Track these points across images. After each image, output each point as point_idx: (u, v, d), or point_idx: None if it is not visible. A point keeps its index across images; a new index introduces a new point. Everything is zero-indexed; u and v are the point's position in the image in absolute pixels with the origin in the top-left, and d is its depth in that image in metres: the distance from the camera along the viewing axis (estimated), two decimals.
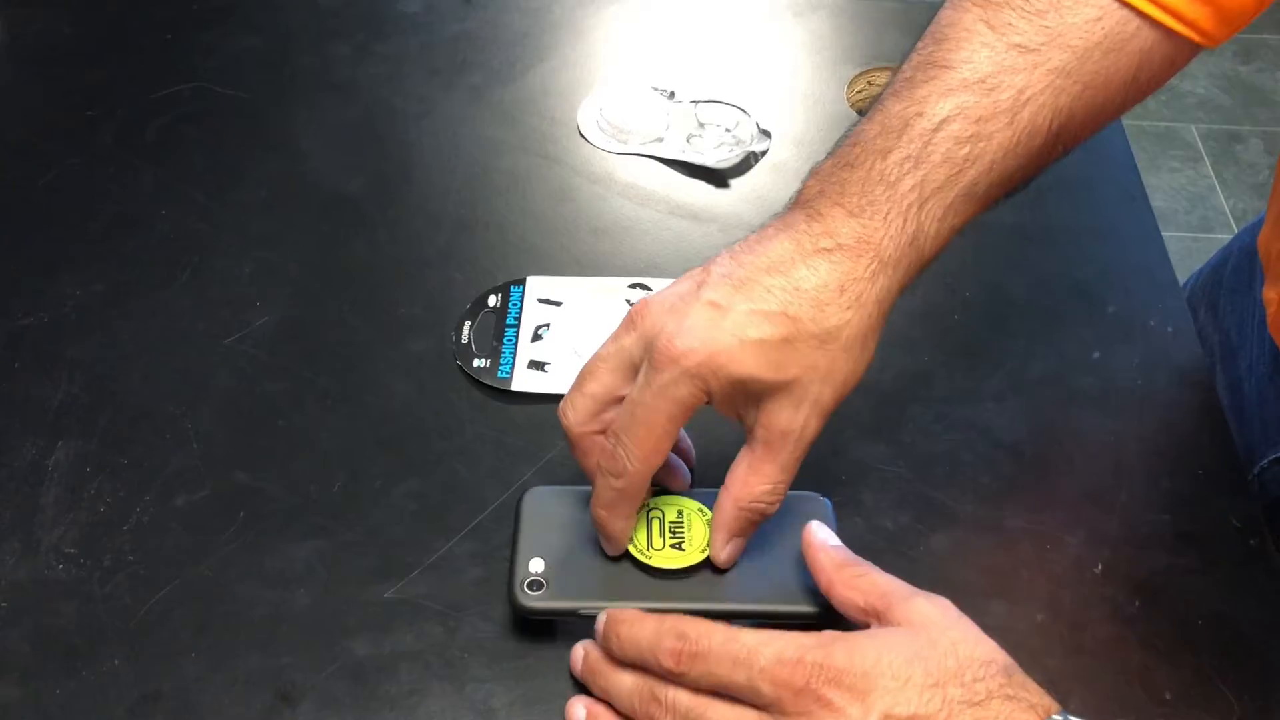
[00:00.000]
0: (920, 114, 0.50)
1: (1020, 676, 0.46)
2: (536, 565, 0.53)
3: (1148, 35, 0.52)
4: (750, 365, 0.49)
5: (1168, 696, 0.53)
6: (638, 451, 0.50)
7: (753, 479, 0.51)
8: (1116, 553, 0.58)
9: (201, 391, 0.64)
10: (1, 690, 0.52)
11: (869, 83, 0.83)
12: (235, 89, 0.82)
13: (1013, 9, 0.51)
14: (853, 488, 0.60)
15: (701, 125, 0.79)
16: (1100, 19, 0.51)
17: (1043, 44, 0.51)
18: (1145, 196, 0.76)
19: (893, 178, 0.50)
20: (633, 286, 0.69)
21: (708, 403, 0.50)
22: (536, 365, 0.65)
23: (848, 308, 0.49)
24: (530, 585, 0.53)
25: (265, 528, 0.58)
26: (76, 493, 0.59)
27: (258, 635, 0.54)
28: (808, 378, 0.49)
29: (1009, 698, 0.45)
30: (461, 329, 0.67)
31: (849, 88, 0.82)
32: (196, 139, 0.79)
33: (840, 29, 0.88)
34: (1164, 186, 2.10)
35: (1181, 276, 0.75)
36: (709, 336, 0.49)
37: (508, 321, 0.67)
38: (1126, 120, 0.81)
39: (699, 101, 0.80)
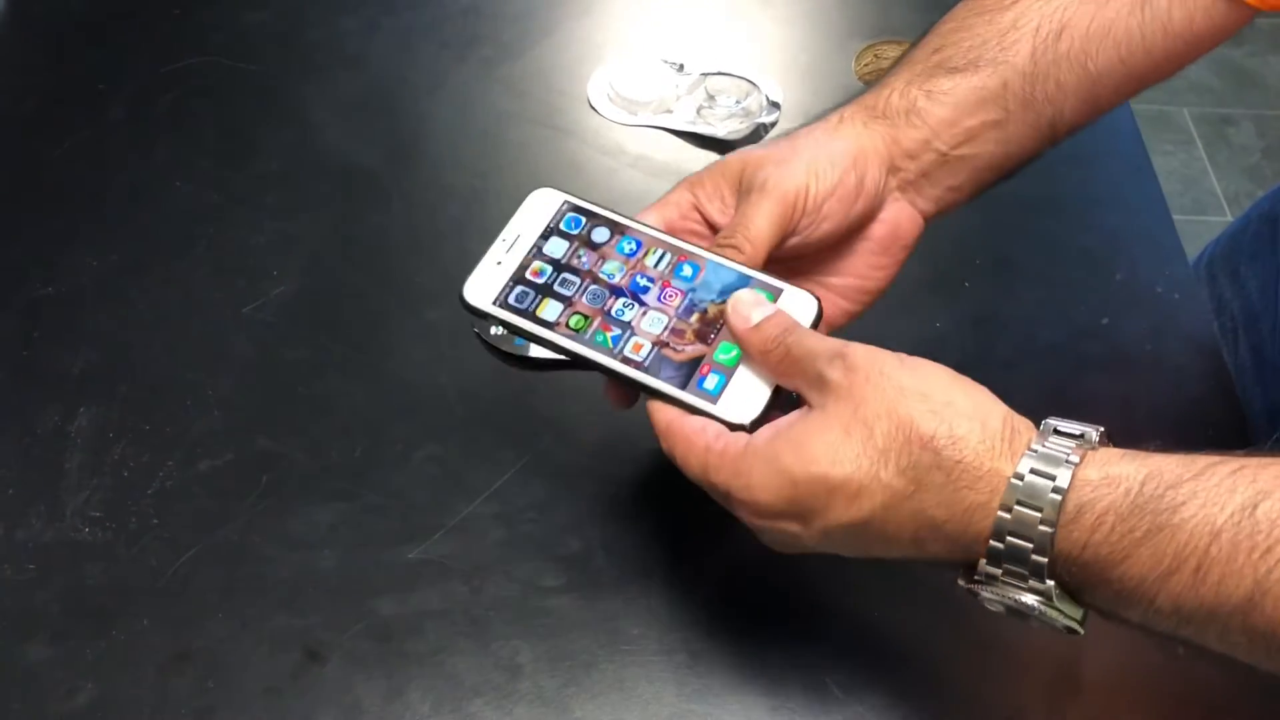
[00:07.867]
0: (928, 30, 0.59)
1: (951, 448, 0.43)
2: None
3: None
4: (733, 155, 0.55)
5: (1181, 652, 0.53)
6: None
7: (733, 217, 0.53)
8: None
9: (221, 359, 0.65)
10: (33, 650, 0.53)
11: (876, 55, 0.83)
12: (245, 62, 0.83)
13: None
14: None
15: (711, 97, 0.79)
16: None
17: None
18: (1150, 167, 0.77)
19: (889, 71, 0.58)
20: None
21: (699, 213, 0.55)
22: None
23: (835, 125, 0.56)
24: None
25: (288, 492, 0.59)
26: (100, 458, 0.60)
27: (284, 596, 0.55)
28: (799, 151, 0.54)
29: (945, 486, 0.43)
30: None
31: (856, 60, 0.83)
32: (208, 112, 0.79)
33: (848, 2, 0.89)
34: (1157, 169, 2.10)
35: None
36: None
37: None
38: None
39: (708, 74, 0.80)
